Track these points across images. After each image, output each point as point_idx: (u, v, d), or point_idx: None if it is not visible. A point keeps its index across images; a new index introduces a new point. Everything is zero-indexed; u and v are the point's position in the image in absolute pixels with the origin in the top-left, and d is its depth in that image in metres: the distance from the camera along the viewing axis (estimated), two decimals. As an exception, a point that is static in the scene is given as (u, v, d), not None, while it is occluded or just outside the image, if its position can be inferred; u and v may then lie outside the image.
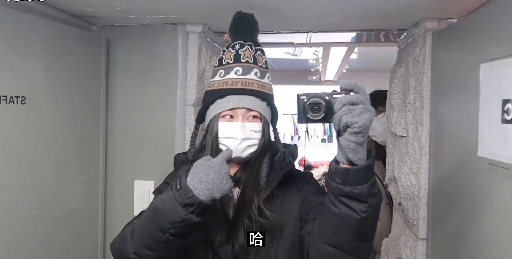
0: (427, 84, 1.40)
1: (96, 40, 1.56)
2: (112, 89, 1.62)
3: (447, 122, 1.29)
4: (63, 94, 1.38)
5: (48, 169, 1.31)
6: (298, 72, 6.13)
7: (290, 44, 2.11)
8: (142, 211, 1.05)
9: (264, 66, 1.08)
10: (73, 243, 1.44)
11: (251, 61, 1.05)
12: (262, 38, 1.90)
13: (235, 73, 1.04)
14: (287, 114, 7.44)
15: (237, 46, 1.07)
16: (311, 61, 5.15)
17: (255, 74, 1.04)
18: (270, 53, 4.77)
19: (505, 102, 0.95)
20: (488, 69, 1.04)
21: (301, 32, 1.74)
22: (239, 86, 1.02)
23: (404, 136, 1.54)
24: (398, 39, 1.70)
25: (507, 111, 0.94)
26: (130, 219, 1.05)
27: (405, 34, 1.62)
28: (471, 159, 1.09)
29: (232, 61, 1.06)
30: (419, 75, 1.44)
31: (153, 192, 1.09)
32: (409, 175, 1.49)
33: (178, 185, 0.82)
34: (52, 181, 1.33)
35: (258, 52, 1.08)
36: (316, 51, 4.49)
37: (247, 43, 1.07)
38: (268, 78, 1.09)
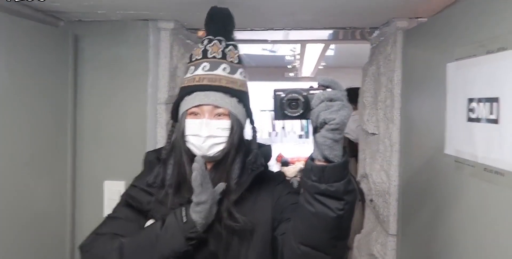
0: (398, 82, 1.42)
1: (63, 36, 1.51)
2: (81, 86, 1.57)
3: (417, 120, 1.31)
4: (28, 92, 1.32)
5: (12, 170, 1.26)
6: (275, 69, 6.15)
7: (264, 41, 2.11)
8: (109, 216, 1.04)
9: (236, 62, 1.04)
10: (39, 246, 1.39)
11: (218, 57, 1.02)
12: (237, 35, 1.90)
13: (202, 69, 1.01)
14: (265, 110, 7.46)
15: (205, 42, 1.04)
16: (288, 57, 5.16)
17: (224, 69, 1.01)
18: (248, 49, 4.75)
19: (470, 100, 0.97)
20: (454, 69, 1.06)
21: (275, 30, 1.74)
22: (205, 82, 0.99)
23: (375, 134, 1.56)
24: (370, 37, 1.72)
25: (472, 110, 0.97)
26: (99, 224, 1.03)
27: (377, 32, 1.63)
28: (439, 156, 1.11)
29: (200, 57, 1.03)
30: (390, 73, 1.46)
31: (121, 196, 1.05)
32: (380, 172, 1.51)
33: (185, 217, 0.89)
34: (17, 183, 1.28)
35: (230, 47, 1.04)
36: (293, 47, 4.51)
37: (216, 38, 1.04)
38: (240, 73, 1.04)
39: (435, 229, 1.15)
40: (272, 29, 1.72)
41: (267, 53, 5.11)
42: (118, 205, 1.06)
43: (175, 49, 1.62)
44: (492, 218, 0.88)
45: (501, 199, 0.85)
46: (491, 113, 0.89)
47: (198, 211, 0.88)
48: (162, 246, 0.88)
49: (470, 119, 0.97)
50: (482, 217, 0.92)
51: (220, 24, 1.06)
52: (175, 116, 1.07)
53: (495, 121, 0.87)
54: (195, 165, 0.87)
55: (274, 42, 2.16)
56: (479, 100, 0.93)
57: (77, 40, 1.57)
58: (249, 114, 1.07)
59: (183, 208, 0.91)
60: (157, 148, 1.18)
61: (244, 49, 5.04)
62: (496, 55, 0.88)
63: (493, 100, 0.88)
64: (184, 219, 0.88)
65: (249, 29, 1.74)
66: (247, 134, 1.08)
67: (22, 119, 1.30)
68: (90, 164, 1.58)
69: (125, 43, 1.56)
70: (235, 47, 1.06)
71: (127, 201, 1.03)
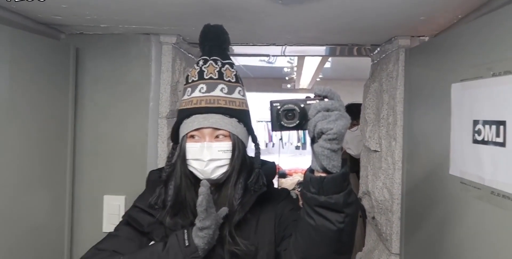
0: (400, 100, 1.42)
1: (65, 49, 1.50)
2: (81, 100, 1.56)
3: (420, 139, 1.30)
4: (28, 105, 1.31)
5: (10, 184, 1.24)
6: (273, 80, 6.19)
7: (265, 55, 2.11)
8: (110, 234, 1.02)
9: (233, 80, 1.03)
10: (36, 262, 1.36)
11: (215, 77, 1.01)
12: (237, 49, 1.90)
13: (199, 91, 1.00)
14: (261, 121, 7.47)
15: (200, 62, 1.03)
16: (285, 69, 5.20)
17: (221, 90, 1.00)
18: (245, 60, 4.78)
19: (476, 122, 0.97)
20: (459, 89, 1.06)
21: (277, 45, 1.74)
22: (203, 104, 0.98)
23: (377, 151, 1.56)
24: (372, 54, 1.72)
25: (478, 132, 0.96)
26: (101, 240, 1.01)
27: (378, 49, 1.64)
28: (443, 176, 1.11)
29: (197, 78, 1.02)
30: (392, 90, 1.46)
31: (123, 216, 1.04)
32: (382, 190, 1.50)
33: (187, 241, 0.88)
34: (15, 197, 1.26)
35: (226, 66, 1.03)
36: (291, 59, 4.54)
37: (211, 58, 1.03)
38: (239, 92, 1.03)
39: (438, 249, 1.14)
40: (273, 44, 1.73)
41: (264, 64, 5.14)
42: (120, 223, 1.05)
43: (177, 63, 1.62)
44: (498, 242, 0.87)
45: (509, 223, 0.84)
46: (497, 136, 0.88)
47: (202, 236, 0.87)
48: None
49: (476, 141, 0.97)
50: (487, 240, 0.91)
51: (215, 43, 1.05)
52: (175, 139, 1.06)
53: (502, 144, 0.87)
54: (201, 189, 0.86)
55: (275, 56, 2.17)
56: (485, 122, 0.93)
57: (79, 53, 1.56)
58: (250, 132, 1.06)
59: (185, 232, 0.90)
60: (160, 167, 1.16)
61: (242, 60, 5.08)
62: (503, 78, 0.88)
63: (500, 123, 0.88)
64: (187, 243, 0.87)
65: (251, 44, 1.74)
66: (250, 151, 1.08)
67: (21, 132, 1.28)
68: (89, 178, 1.56)
69: (126, 56, 1.56)
70: (232, 65, 1.05)
71: (127, 221, 1.02)
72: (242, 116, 1.03)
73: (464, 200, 1.01)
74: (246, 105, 1.06)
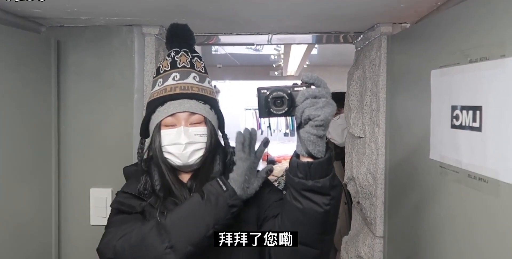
0: (383, 87, 1.44)
1: (45, 42, 1.48)
2: (64, 93, 1.55)
3: (403, 124, 1.33)
4: (10, 99, 1.30)
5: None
6: (260, 67, 6.16)
7: (251, 44, 2.11)
8: (116, 217, 1.00)
9: (203, 71, 1.08)
10: (24, 257, 1.36)
11: (188, 66, 1.05)
12: (224, 38, 1.89)
13: (173, 79, 1.03)
14: (250, 109, 7.47)
15: (172, 54, 1.07)
16: (272, 57, 5.19)
17: (194, 78, 1.04)
18: (232, 48, 4.75)
19: (454, 108, 1.00)
20: (438, 76, 1.08)
21: (261, 34, 1.74)
22: (178, 91, 1.01)
23: (361, 137, 1.58)
24: (355, 41, 1.73)
25: (456, 117, 0.99)
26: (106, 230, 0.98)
27: (361, 36, 1.65)
28: (424, 161, 1.14)
29: (169, 68, 1.05)
30: (375, 77, 1.48)
31: (111, 206, 1.04)
32: (366, 175, 1.53)
33: (224, 187, 0.89)
34: (0, 191, 1.26)
35: (195, 58, 1.08)
36: (277, 46, 4.53)
37: (182, 50, 1.07)
38: (208, 82, 1.08)
39: (420, 231, 1.18)
40: (258, 33, 1.72)
41: (251, 51, 5.12)
42: (111, 216, 1.03)
43: (160, 55, 1.61)
44: (474, 223, 0.91)
45: (484, 205, 0.87)
46: (474, 121, 0.91)
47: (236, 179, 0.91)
48: (206, 216, 0.87)
49: (454, 126, 1.00)
50: (465, 221, 0.95)
51: (182, 39, 1.10)
52: (144, 133, 1.08)
53: (478, 129, 0.89)
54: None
55: (261, 44, 2.17)
56: (463, 108, 0.96)
57: (60, 46, 1.54)
58: (220, 121, 1.10)
59: (219, 179, 0.92)
60: (133, 163, 1.16)
61: (229, 49, 5.05)
62: (479, 64, 0.90)
63: (476, 108, 0.90)
64: (224, 188, 0.89)
65: (235, 33, 1.74)
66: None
67: (4, 126, 1.27)
68: (75, 171, 1.56)
69: (109, 48, 1.54)
70: (200, 58, 1.10)
71: (118, 208, 1.02)
72: (213, 103, 1.07)
73: (443, 183, 1.04)
74: (215, 95, 1.11)
